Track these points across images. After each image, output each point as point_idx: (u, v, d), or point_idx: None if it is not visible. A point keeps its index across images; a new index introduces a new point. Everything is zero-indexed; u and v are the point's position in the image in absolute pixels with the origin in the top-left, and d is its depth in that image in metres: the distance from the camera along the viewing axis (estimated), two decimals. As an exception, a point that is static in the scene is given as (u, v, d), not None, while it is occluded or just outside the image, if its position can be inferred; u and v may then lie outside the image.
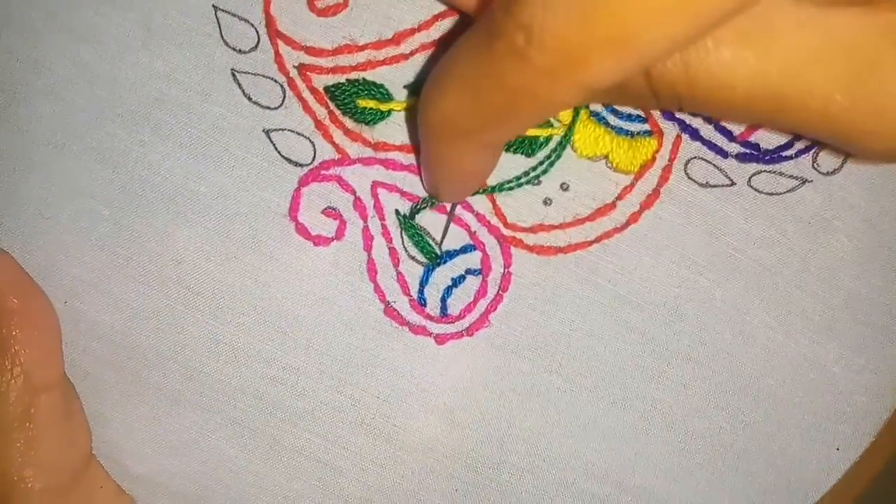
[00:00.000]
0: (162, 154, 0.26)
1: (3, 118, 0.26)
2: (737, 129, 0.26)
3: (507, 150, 0.26)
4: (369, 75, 0.26)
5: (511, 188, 0.26)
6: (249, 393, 0.27)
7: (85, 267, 0.27)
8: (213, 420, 0.27)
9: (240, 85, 0.26)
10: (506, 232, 0.27)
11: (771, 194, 0.27)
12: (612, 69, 0.19)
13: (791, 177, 0.27)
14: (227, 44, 0.26)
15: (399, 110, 0.26)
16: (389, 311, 0.27)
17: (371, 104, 0.26)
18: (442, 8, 0.26)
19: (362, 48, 0.26)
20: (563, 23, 0.18)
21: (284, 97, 0.26)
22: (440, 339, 0.27)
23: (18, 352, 0.25)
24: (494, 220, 0.27)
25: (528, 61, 0.19)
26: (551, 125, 0.26)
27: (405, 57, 0.26)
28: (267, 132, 0.26)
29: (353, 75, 0.26)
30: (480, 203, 0.27)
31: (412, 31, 0.26)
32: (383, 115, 0.26)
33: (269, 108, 0.26)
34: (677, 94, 0.21)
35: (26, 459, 0.25)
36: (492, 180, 0.27)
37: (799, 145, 0.27)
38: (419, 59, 0.26)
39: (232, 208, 0.27)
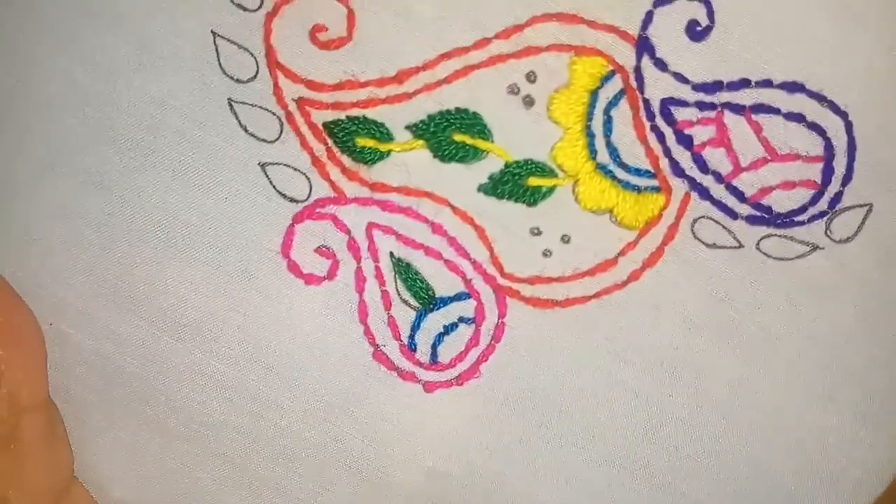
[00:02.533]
0: (154, 181, 0.26)
1: None
2: (749, 190, 0.25)
3: (510, 198, 0.26)
4: (370, 113, 0.25)
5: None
6: (233, 427, 0.27)
7: (72, 290, 0.26)
8: (194, 451, 0.27)
9: (236, 115, 0.25)
10: (502, 282, 0.26)
11: (780, 259, 0.26)
12: None
13: (802, 242, 0.26)
14: (224, 72, 0.25)
15: (399, 151, 0.25)
16: (378, 354, 0.26)
17: (370, 143, 0.25)
18: (448, 48, 0.25)
19: (364, 85, 0.25)
20: None
21: (282, 131, 0.25)
22: (429, 387, 0.27)
23: (3, 371, 0.25)
24: (491, 269, 0.26)
25: None
26: (555, 174, 0.25)
27: (408, 96, 0.25)
28: (262, 165, 0.26)
29: (354, 112, 0.25)
30: (477, 250, 0.26)
31: (416, 70, 0.25)
32: (382, 156, 0.25)
33: (265, 140, 0.26)
34: None
35: (9, 480, 0.25)
36: (492, 228, 0.26)
37: (812, 211, 0.25)
38: (422, 99, 0.25)
39: (223, 241, 0.26)
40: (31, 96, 0.25)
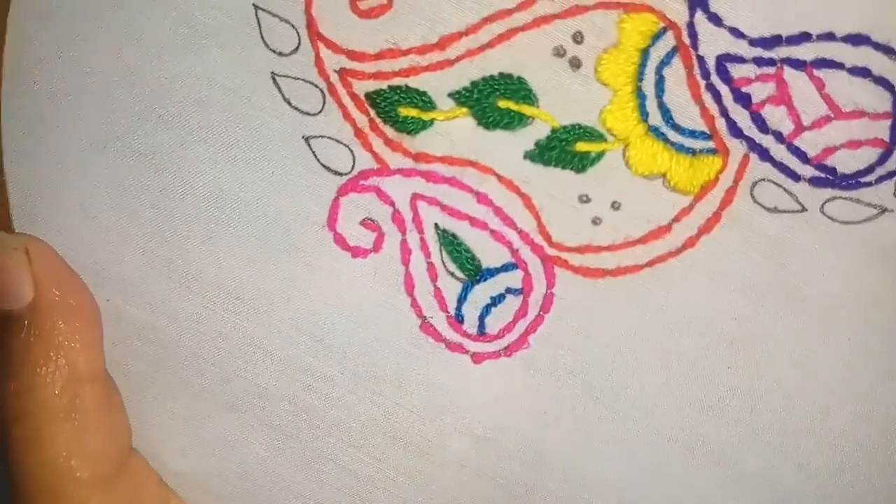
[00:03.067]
0: (203, 157, 0.26)
1: (45, 116, 0.26)
2: (812, 150, 0.24)
3: (557, 165, 0.25)
4: (412, 82, 0.25)
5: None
6: (285, 399, 0.27)
7: (127, 266, 0.27)
8: (248, 423, 0.27)
9: (280, 89, 0.25)
10: (550, 251, 0.25)
11: (846, 223, 0.24)
12: None
13: (869, 205, 0.24)
14: (267, 45, 0.25)
15: (442, 120, 0.25)
16: (426, 326, 0.26)
17: (413, 113, 0.25)
18: (492, 10, 0.24)
19: (406, 53, 0.25)
20: None
21: (324, 103, 0.25)
22: (477, 358, 0.26)
23: (62, 343, 0.26)
24: (538, 239, 0.25)
25: None
26: (604, 139, 0.25)
27: (450, 63, 0.24)
28: (307, 139, 0.26)
29: (396, 81, 0.25)
30: (524, 220, 0.25)
31: (459, 36, 0.24)
32: (425, 125, 0.25)
33: (308, 113, 0.25)
34: None
35: (73, 449, 0.26)
36: (539, 196, 0.25)
37: (880, 171, 0.24)
38: (465, 66, 0.24)
39: (271, 215, 0.26)
40: (81, 76, 0.26)
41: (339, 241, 0.26)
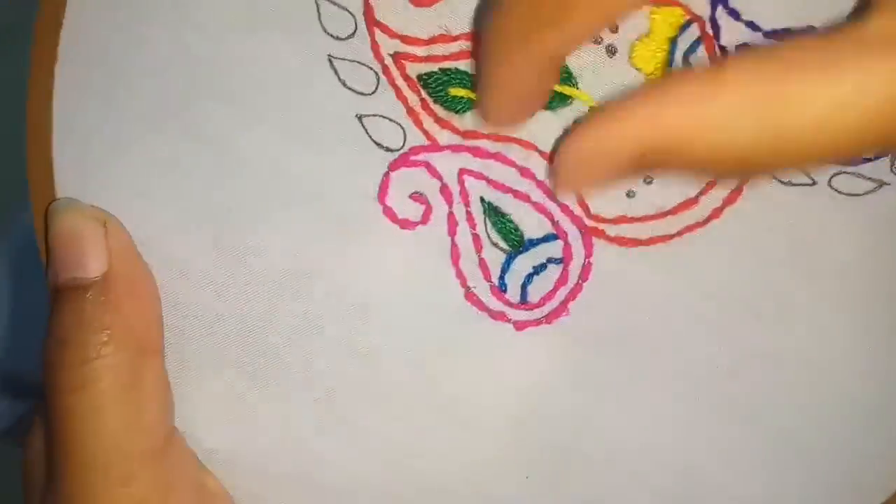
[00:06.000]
0: (258, 135, 0.27)
1: (100, 93, 0.27)
2: (819, 131, 0.27)
3: None
4: (462, 65, 0.27)
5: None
6: (328, 372, 0.28)
7: (175, 242, 0.28)
8: (290, 398, 0.28)
9: (336, 71, 0.27)
10: (588, 222, 0.27)
11: (850, 195, 0.27)
12: None
13: (869, 179, 0.27)
14: (325, 30, 0.27)
15: (489, 100, 0.27)
16: (470, 296, 0.28)
17: (462, 93, 0.27)
18: (535, 3, 0.27)
19: (456, 38, 0.27)
20: None
21: (378, 84, 0.27)
22: (519, 326, 0.28)
23: (129, 316, 0.26)
24: (577, 211, 0.27)
25: None
26: (637, 120, 0.27)
27: (498, 48, 0.27)
28: (359, 117, 0.27)
29: (446, 64, 0.27)
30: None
31: (506, 24, 0.27)
32: (474, 104, 0.27)
33: (362, 94, 0.27)
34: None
35: (130, 422, 0.26)
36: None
37: (879, 148, 0.27)
38: (511, 51, 0.27)
39: (323, 191, 0.27)
40: (141, 56, 0.27)
41: (389, 213, 0.27)
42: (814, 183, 0.27)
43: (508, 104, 0.24)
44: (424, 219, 0.27)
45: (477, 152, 0.27)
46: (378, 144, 0.27)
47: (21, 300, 0.40)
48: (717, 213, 0.27)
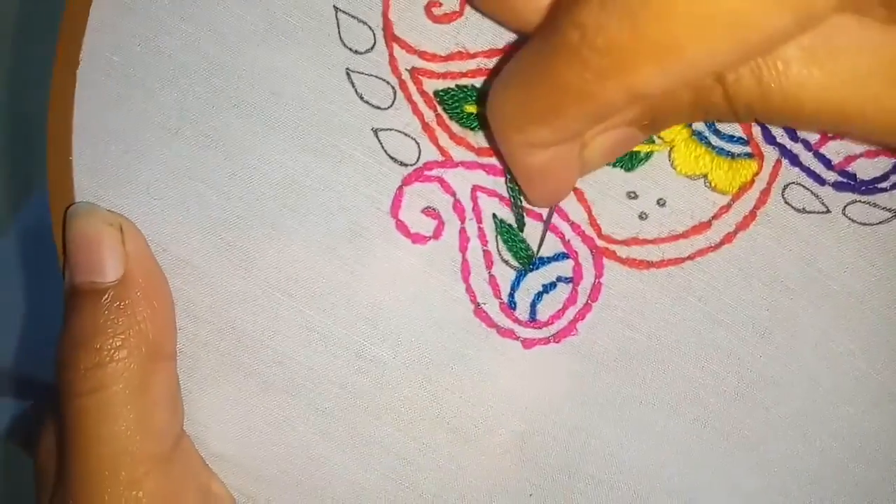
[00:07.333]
0: (273, 145, 0.27)
1: (119, 101, 0.28)
2: (835, 158, 0.27)
3: (608, 163, 0.27)
4: (478, 82, 0.27)
5: None
6: (335, 382, 0.28)
7: (188, 248, 0.28)
8: (297, 405, 0.28)
9: (353, 84, 0.27)
10: (599, 243, 0.27)
11: (864, 224, 0.27)
12: (658, 77, 0.20)
13: (884, 209, 0.27)
14: (344, 44, 0.27)
15: (505, 118, 0.27)
16: (479, 312, 0.28)
17: (478, 110, 0.27)
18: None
19: (473, 56, 0.27)
20: (616, 25, 0.20)
21: (395, 98, 0.27)
22: (527, 344, 0.28)
23: (143, 320, 0.26)
24: (589, 231, 0.27)
25: (580, 59, 0.20)
26: (652, 141, 0.27)
27: (514, 67, 0.27)
28: (375, 131, 0.27)
29: (463, 81, 0.27)
30: (576, 213, 0.27)
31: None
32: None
33: (379, 108, 0.27)
34: (752, 109, 0.22)
35: (141, 426, 0.26)
36: (590, 191, 0.27)
37: (894, 178, 0.27)
38: (528, 70, 0.27)
39: (336, 202, 0.27)
40: (160, 64, 0.27)
41: (401, 227, 0.28)
42: (828, 211, 0.27)
43: (537, 186, 0.25)
44: (436, 234, 0.28)
45: (491, 170, 0.27)
46: (393, 158, 0.27)
47: (27, 299, 0.40)
48: (729, 237, 0.27)
